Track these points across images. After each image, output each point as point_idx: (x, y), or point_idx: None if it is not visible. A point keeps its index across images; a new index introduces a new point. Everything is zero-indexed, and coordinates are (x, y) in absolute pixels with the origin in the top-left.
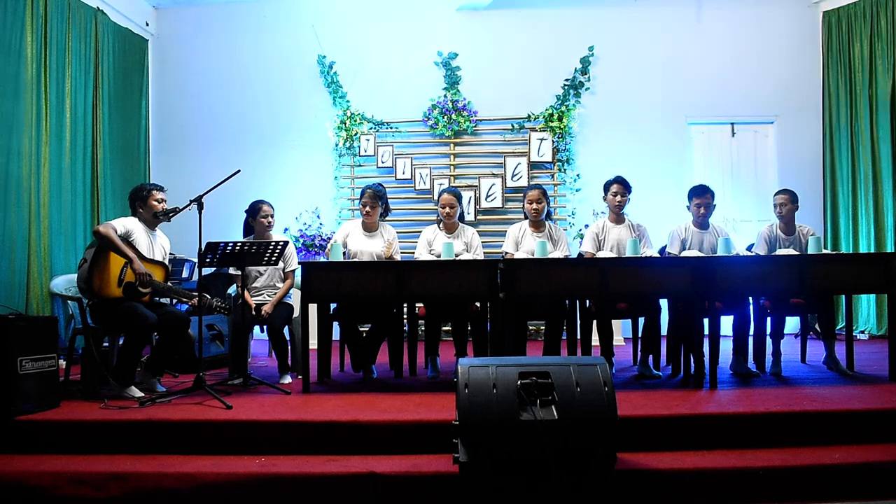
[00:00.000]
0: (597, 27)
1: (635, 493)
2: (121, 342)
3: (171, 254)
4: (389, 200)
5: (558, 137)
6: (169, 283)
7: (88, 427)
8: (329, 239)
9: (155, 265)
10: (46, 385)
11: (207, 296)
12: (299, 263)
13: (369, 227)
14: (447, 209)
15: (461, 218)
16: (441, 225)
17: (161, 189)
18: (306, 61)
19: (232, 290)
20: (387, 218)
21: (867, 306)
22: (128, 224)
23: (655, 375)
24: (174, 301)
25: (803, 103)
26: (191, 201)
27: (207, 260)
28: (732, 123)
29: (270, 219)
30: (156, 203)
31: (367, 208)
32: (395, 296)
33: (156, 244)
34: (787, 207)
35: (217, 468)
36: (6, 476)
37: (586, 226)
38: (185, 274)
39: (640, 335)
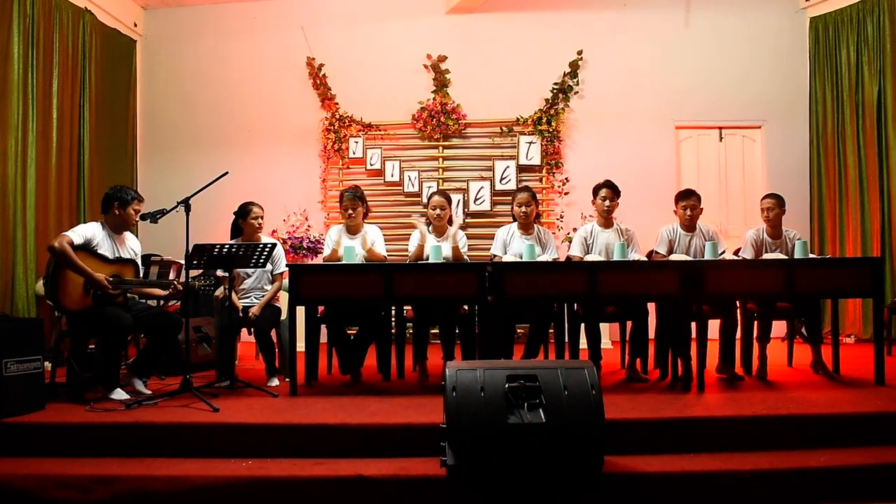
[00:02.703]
0: (585, 31)
1: (623, 497)
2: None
3: (157, 256)
4: (378, 203)
5: (547, 141)
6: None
7: (74, 429)
8: (317, 241)
9: (123, 264)
10: (32, 387)
11: (182, 282)
12: (287, 266)
13: (353, 230)
14: (438, 210)
15: (450, 222)
16: (431, 227)
17: (142, 200)
18: (295, 63)
19: (219, 291)
20: (375, 220)
21: (853, 310)
22: (87, 232)
23: (643, 379)
24: (161, 303)
25: (790, 108)
26: (178, 203)
27: (195, 262)
28: (720, 128)
29: (260, 220)
30: (133, 213)
31: (350, 211)
32: (383, 298)
33: (121, 246)
34: (774, 212)
35: (204, 471)
36: None
37: (574, 229)
38: (171, 276)
39: (627, 339)
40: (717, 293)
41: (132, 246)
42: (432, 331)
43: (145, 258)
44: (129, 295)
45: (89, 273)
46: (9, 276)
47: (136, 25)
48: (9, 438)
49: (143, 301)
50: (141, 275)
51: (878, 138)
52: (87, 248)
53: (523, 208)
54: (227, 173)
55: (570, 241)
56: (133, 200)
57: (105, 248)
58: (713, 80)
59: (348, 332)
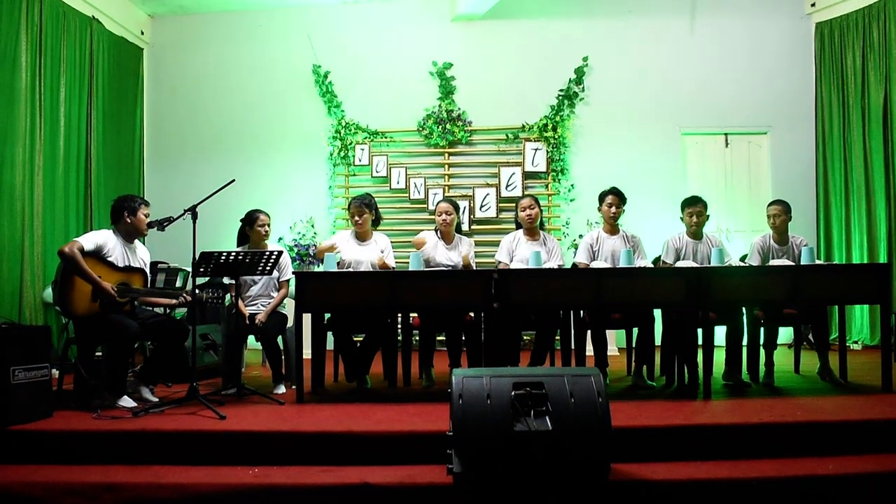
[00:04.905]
0: (591, 38)
1: None
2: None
3: (164, 263)
4: (384, 210)
5: (553, 147)
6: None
7: (81, 437)
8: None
9: (132, 272)
10: (39, 395)
11: (198, 290)
12: (293, 273)
13: (362, 237)
14: (444, 216)
15: (458, 228)
16: (438, 234)
17: (148, 204)
18: (301, 71)
19: (226, 299)
20: (380, 227)
21: (860, 317)
22: (99, 239)
23: (649, 386)
24: (168, 311)
25: (796, 114)
26: (185, 211)
27: (202, 270)
28: (726, 134)
29: (267, 228)
30: (143, 217)
31: (356, 218)
32: (389, 305)
33: (132, 255)
34: (781, 218)
35: (211, 479)
36: None
37: (580, 236)
38: (178, 283)
39: (634, 345)
40: (723, 300)
41: (142, 255)
42: (438, 338)
43: (152, 266)
44: (136, 303)
45: (96, 280)
46: (16, 284)
47: (143, 33)
48: (16, 446)
49: (150, 308)
50: (149, 284)
51: (884, 144)
52: (97, 255)
53: (528, 212)
54: (233, 181)
55: (576, 248)
56: (141, 205)
57: (116, 255)
58: (719, 86)
59: (354, 339)
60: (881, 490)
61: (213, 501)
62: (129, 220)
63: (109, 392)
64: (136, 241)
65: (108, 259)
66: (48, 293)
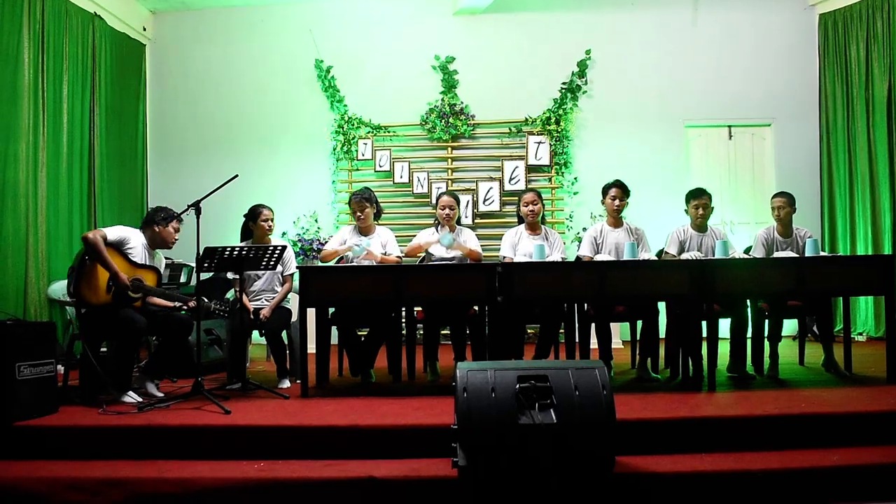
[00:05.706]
0: (594, 31)
1: (634, 497)
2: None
3: (169, 259)
4: (387, 204)
5: (556, 141)
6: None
7: (86, 433)
8: (327, 243)
9: (147, 270)
10: (44, 391)
11: (205, 299)
12: (297, 268)
13: (365, 231)
14: (446, 210)
15: (458, 222)
16: (440, 227)
17: (181, 220)
18: (304, 66)
19: (230, 294)
20: (384, 221)
21: (865, 308)
22: (123, 233)
23: (654, 378)
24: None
25: (800, 106)
26: (188, 206)
27: (206, 265)
28: (729, 126)
29: (270, 223)
30: (172, 230)
31: (358, 213)
32: (393, 300)
33: (151, 258)
34: (785, 210)
35: (215, 473)
36: (3, 482)
37: (584, 229)
38: (182, 279)
39: (638, 338)
40: (727, 292)
41: (159, 263)
42: (442, 332)
43: None
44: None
45: (114, 269)
46: (21, 280)
47: (145, 30)
48: (21, 442)
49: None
50: (160, 281)
51: (888, 135)
52: (117, 247)
53: (530, 207)
54: (237, 176)
55: (580, 241)
56: (174, 219)
57: (136, 252)
58: (722, 78)
59: (359, 333)
60: (886, 481)
61: (217, 496)
62: (157, 229)
63: (114, 387)
64: (158, 252)
65: (128, 254)
66: (53, 289)
